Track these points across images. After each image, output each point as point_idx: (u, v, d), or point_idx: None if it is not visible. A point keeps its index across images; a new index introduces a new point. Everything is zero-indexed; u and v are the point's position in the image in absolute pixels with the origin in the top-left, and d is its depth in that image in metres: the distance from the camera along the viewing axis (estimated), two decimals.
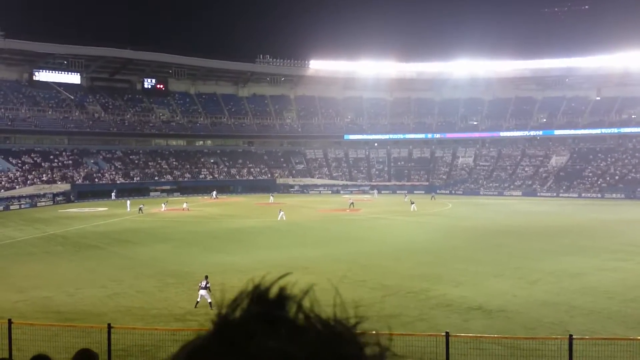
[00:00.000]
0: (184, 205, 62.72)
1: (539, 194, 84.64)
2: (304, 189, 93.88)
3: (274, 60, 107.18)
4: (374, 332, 0.83)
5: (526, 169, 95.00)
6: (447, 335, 13.73)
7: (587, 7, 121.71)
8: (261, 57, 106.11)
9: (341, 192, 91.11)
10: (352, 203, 63.75)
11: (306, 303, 0.83)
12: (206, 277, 21.29)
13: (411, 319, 19.21)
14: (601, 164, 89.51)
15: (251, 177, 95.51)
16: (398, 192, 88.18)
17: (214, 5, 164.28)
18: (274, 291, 0.82)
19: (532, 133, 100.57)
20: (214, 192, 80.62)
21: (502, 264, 28.75)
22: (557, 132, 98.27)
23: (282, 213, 51.21)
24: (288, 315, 0.79)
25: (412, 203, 60.86)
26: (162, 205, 62.77)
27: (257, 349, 0.76)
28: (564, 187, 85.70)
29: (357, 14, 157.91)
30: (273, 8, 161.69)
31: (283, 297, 0.81)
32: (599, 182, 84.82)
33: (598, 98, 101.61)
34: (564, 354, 13.41)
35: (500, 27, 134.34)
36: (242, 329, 0.79)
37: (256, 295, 0.82)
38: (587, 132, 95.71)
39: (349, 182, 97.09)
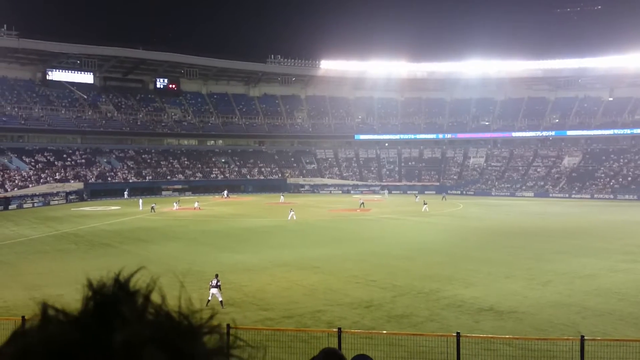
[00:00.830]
0: (195, 204, 63.00)
1: (551, 195, 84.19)
2: (315, 189, 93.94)
3: (285, 60, 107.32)
4: (218, 324, 0.85)
5: (538, 169, 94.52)
6: (458, 335, 13.73)
7: (599, 7, 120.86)
8: (272, 57, 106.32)
9: (351, 192, 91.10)
10: (363, 203, 63.74)
11: (155, 297, 0.84)
12: (216, 276, 21.39)
13: (422, 319, 19.20)
14: (614, 165, 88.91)
15: (262, 177, 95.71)
16: (409, 192, 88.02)
17: (225, 6, 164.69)
18: (110, 286, 0.84)
19: (545, 133, 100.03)
20: (225, 192, 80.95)
21: (514, 265, 28.65)
22: (570, 132, 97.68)
23: (292, 213, 51.29)
24: (125, 307, 0.80)
25: (425, 204, 60.71)
26: (174, 204, 63.11)
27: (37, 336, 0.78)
28: (577, 188, 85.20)
29: (368, 13, 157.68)
30: (284, 8, 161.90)
31: (120, 291, 0.83)
32: (611, 183, 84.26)
33: (611, 99, 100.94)
34: (576, 355, 13.37)
35: (512, 27, 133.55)
36: (48, 318, 0.81)
37: (94, 290, 0.84)
38: (599, 132, 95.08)
39: (359, 182, 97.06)
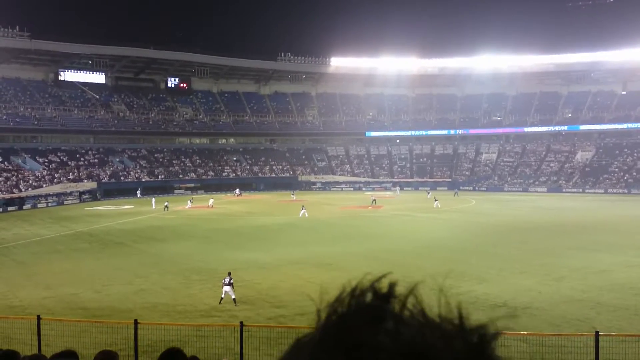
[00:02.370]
0: (210, 202, 63.24)
1: (564, 190, 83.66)
2: (326, 186, 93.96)
3: (295, 57, 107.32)
4: (480, 326, 0.83)
5: (551, 164, 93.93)
6: None
7: (611, 0, 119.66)
8: (282, 55, 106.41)
9: (363, 189, 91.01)
10: (374, 200, 63.66)
11: (411, 300, 0.85)
12: (229, 274, 21.46)
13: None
14: (627, 159, 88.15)
15: (273, 175, 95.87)
16: (420, 188, 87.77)
17: (236, 4, 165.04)
18: (382, 287, 0.84)
19: (557, 128, 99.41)
20: (237, 190, 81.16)
21: (527, 261, 28.49)
22: (583, 127, 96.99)
23: (304, 210, 51.36)
24: (393, 310, 0.81)
25: (436, 200, 60.57)
26: (188, 202, 63.37)
27: (362, 341, 0.77)
28: (590, 183, 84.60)
29: (378, 10, 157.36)
30: (294, 6, 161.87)
31: (389, 293, 0.84)
32: (625, 178, 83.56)
33: (624, 92, 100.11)
34: (590, 350, 13.28)
35: (523, 21, 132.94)
36: (348, 322, 0.80)
37: (362, 291, 0.85)
38: (613, 127, 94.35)
39: (370, 179, 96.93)
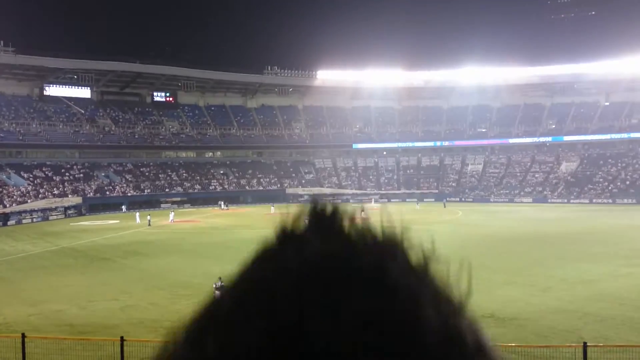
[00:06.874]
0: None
1: (549, 201, 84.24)
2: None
3: (282, 71, 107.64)
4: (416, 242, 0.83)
5: (536, 175, 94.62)
6: None
7: (593, 12, 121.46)
8: (269, 68, 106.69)
9: (351, 201, 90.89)
10: (363, 211, 63.51)
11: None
12: (220, 279, 21.52)
13: None
14: (611, 170, 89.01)
15: (261, 188, 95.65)
16: (408, 200, 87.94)
17: (222, 18, 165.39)
18: (329, 209, 0.84)
19: (542, 139, 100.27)
20: (221, 203, 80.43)
21: (514, 272, 28.59)
22: (567, 138, 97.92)
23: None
24: (341, 227, 0.82)
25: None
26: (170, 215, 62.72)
27: (310, 250, 0.77)
28: (575, 193, 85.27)
29: (364, 23, 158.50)
30: (280, 19, 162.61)
31: (337, 213, 0.83)
32: (609, 188, 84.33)
33: (607, 103, 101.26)
34: None
35: (507, 34, 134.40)
36: (297, 236, 0.81)
37: (312, 212, 0.84)
38: (596, 137, 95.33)
39: (358, 191, 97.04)
